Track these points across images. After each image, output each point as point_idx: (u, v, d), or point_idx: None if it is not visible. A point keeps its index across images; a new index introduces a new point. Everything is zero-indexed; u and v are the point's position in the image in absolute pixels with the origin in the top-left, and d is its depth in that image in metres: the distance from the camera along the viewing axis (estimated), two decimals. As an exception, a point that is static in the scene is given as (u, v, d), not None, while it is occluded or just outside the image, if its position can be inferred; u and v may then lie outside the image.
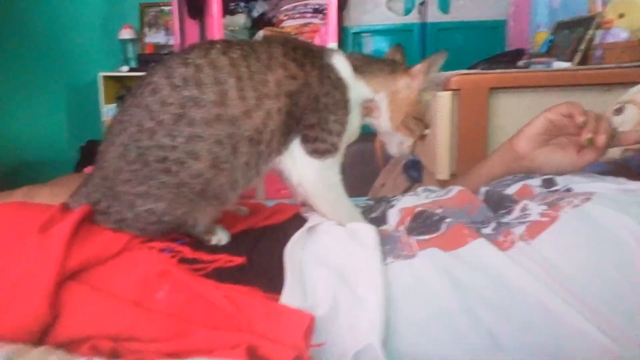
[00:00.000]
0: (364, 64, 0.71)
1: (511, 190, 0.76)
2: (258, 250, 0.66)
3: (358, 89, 0.69)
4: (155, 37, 3.64)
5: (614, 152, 1.05)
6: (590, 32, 1.61)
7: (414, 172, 2.45)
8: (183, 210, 0.63)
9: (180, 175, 0.61)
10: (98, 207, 0.64)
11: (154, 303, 0.56)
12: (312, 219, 0.68)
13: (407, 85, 0.71)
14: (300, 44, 0.68)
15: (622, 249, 0.53)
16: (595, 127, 0.73)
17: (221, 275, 0.60)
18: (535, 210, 0.60)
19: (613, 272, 0.52)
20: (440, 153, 1.57)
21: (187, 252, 0.62)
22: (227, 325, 0.54)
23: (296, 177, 0.67)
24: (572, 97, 1.51)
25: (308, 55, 0.66)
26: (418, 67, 0.71)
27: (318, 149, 0.65)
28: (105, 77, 3.35)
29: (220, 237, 0.68)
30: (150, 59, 3.55)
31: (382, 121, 0.72)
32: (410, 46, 2.90)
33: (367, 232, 0.63)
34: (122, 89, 3.76)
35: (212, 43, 0.64)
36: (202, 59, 0.62)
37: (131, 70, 3.65)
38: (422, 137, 1.85)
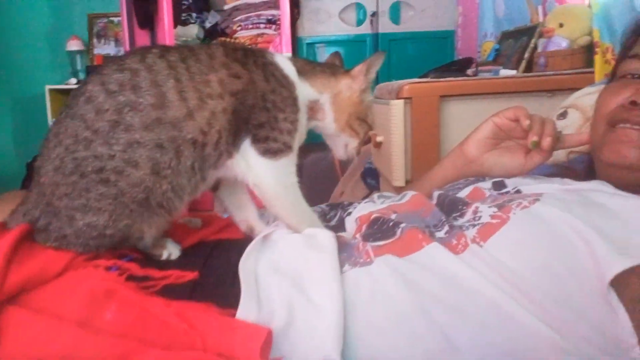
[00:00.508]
0: (306, 67, 0.72)
1: (463, 193, 0.77)
2: (211, 264, 0.64)
3: (304, 88, 0.70)
4: (104, 49, 3.54)
5: (560, 155, 1.09)
6: (534, 41, 1.68)
7: (372, 179, 2.48)
8: (126, 223, 0.60)
9: (119, 185, 0.58)
10: (37, 225, 0.60)
11: (102, 324, 0.53)
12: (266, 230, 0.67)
13: (348, 86, 0.72)
14: (240, 46, 0.70)
15: (568, 247, 0.54)
16: (540, 130, 0.75)
17: (173, 292, 0.57)
18: (486, 212, 0.61)
19: (561, 270, 0.53)
20: (395, 160, 1.59)
21: (136, 269, 0.59)
22: (180, 344, 0.52)
23: (252, 179, 0.66)
24: (518, 103, 1.55)
25: (249, 55, 0.66)
26: (358, 68, 0.72)
27: (270, 149, 0.64)
28: (53, 91, 3.23)
29: (171, 251, 0.66)
30: (100, 71, 3.46)
31: (327, 123, 0.73)
32: (364, 56, 2.93)
33: (324, 237, 0.62)
34: (70, 102, 3.64)
35: (149, 48, 0.63)
36: (139, 63, 0.60)
37: (80, 82, 3.54)
38: (377, 144, 1.86)
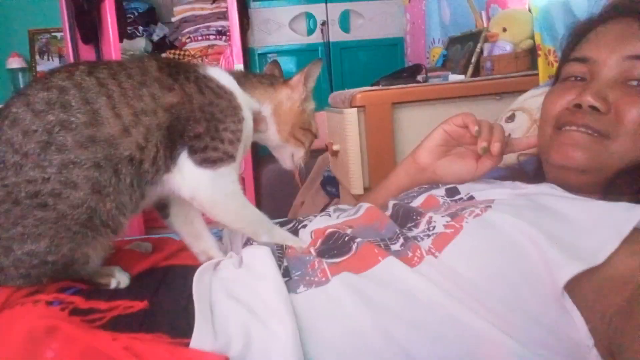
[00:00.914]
0: (244, 78, 0.71)
1: (418, 201, 0.77)
2: (162, 291, 0.61)
3: (245, 98, 0.68)
4: (48, 66, 3.39)
5: (511, 158, 1.12)
6: (479, 45, 1.72)
7: (332, 187, 2.48)
8: (69, 246, 0.57)
9: (59, 208, 0.55)
10: None
11: (44, 364, 0.50)
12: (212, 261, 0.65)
13: (288, 96, 0.71)
14: (172, 60, 0.67)
15: (521, 253, 0.55)
16: (489, 136, 0.76)
17: (121, 324, 0.54)
18: (440, 222, 0.61)
19: (514, 277, 0.54)
20: (353, 169, 1.59)
21: (80, 301, 0.55)
22: (130, 380, 0.49)
23: (188, 191, 0.63)
24: (468, 106, 1.60)
25: (181, 70, 0.64)
26: (296, 78, 0.72)
27: (209, 158, 0.62)
28: (-8, 111, 3.06)
29: (120, 279, 0.63)
30: (43, 89, 3.32)
31: (271, 134, 0.72)
32: (317, 65, 2.95)
33: (262, 263, 0.60)
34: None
35: (75, 65, 0.60)
36: (66, 80, 0.57)
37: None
38: (334, 153, 1.85)
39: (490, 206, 0.61)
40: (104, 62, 0.63)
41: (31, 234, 0.55)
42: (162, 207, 0.71)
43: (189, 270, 0.68)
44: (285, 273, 0.63)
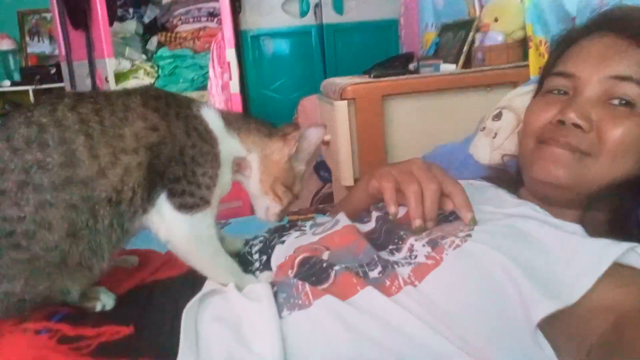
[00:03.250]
0: (240, 121, 0.69)
1: (402, 211, 0.78)
2: (148, 312, 0.63)
3: (230, 144, 0.67)
4: (38, 47, 3.36)
5: (495, 158, 1.13)
6: (471, 35, 1.71)
7: (325, 172, 2.49)
8: (46, 285, 0.58)
9: (32, 249, 0.55)
10: None
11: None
12: (207, 283, 0.66)
13: (279, 149, 0.69)
14: (163, 93, 0.65)
15: (498, 288, 0.56)
16: (416, 210, 0.67)
17: (108, 349, 0.56)
18: (421, 252, 0.62)
19: (490, 311, 0.55)
20: (343, 161, 1.60)
21: (67, 329, 0.57)
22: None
23: (164, 234, 0.63)
24: (458, 98, 1.60)
25: (172, 105, 0.63)
26: (293, 134, 0.69)
27: (186, 204, 0.62)
28: (-17, 95, 3.04)
29: (105, 302, 0.64)
30: (35, 72, 3.29)
31: (252, 182, 0.70)
32: (309, 48, 2.93)
33: (261, 287, 0.62)
34: (5, 106, 3.45)
35: (61, 97, 0.59)
36: (47, 117, 0.57)
37: (14, 84, 3.36)
38: (325, 142, 1.85)
39: (470, 235, 0.63)
40: (90, 94, 0.61)
41: (6, 274, 0.55)
42: None
43: (175, 283, 0.69)
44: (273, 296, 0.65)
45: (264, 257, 0.75)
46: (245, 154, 0.69)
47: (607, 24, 0.74)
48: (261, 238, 0.80)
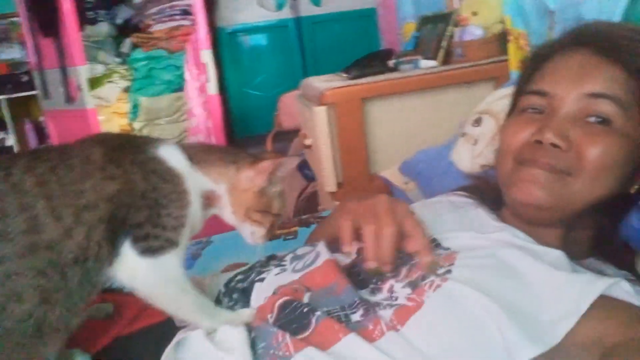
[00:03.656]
0: (202, 153, 0.67)
1: None
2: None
3: (196, 178, 0.64)
4: (8, 54, 3.26)
5: (475, 167, 1.11)
6: (450, 28, 1.68)
7: (309, 170, 2.46)
8: (21, 357, 0.56)
9: (4, 324, 0.53)
10: None
11: None
12: (181, 331, 0.64)
13: (249, 179, 0.66)
14: (122, 140, 0.63)
15: (478, 328, 0.55)
16: (370, 252, 0.63)
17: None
18: (401, 294, 0.61)
19: (473, 352, 0.54)
20: (325, 166, 1.58)
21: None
22: None
23: (127, 280, 0.60)
24: (439, 96, 1.58)
25: (127, 152, 0.61)
26: (265, 165, 0.66)
27: (150, 247, 0.59)
28: (-46, 107, 2.96)
29: None
30: (7, 81, 3.20)
31: (226, 213, 0.68)
32: (287, 42, 2.87)
33: (235, 338, 0.60)
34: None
35: (16, 158, 0.57)
36: (3, 183, 0.54)
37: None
38: (307, 147, 1.81)
39: (450, 270, 0.61)
40: (45, 150, 0.59)
41: None
42: None
43: (154, 334, 0.67)
44: (252, 344, 0.62)
45: (243, 295, 0.73)
46: (213, 186, 0.66)
47: (582, 40, 0.72)
48: (240, 277, 0.78)
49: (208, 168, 0.66)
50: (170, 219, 0.60)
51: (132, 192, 0.59)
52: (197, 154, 0.66)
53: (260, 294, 0.71)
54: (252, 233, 0.69)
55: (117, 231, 0.58)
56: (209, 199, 0.66)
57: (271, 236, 0.70)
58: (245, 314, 0.67)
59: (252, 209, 0.67)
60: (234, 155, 0.68)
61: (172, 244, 0.60)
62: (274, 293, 0.68)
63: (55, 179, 0.56)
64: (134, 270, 0.59)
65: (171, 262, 0.61)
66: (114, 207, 0.57)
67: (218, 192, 0.66)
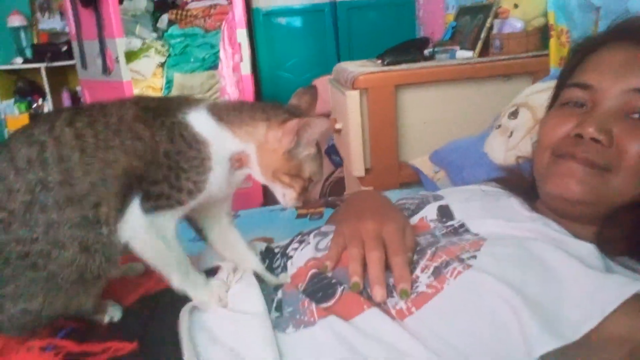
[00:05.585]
0: (232, 112, 0.65)
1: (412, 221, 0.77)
2: (153, 327, 0.63)
3: (224, 140, 0.64)
4: (49, 24, 3.34)
5: (510, 159, 1.10)
6: (489, 20, 1.65)
7: (337, 156, 2.47)
8: (62, 302, 0.58)
9: (49, 268, 0.56)
10: None
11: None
12: None
13: (276, 138, 0.64)
14: (154, 102, 0.63)
15: (496, 318, 0.55)
16: (353, 268, 0.63)
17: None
18: (423, 282, 0.61)
19: (490, 340, 0.54)
20: (354, 151, 1.58)
21: (72, 346, 0.57)
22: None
23: (126, 232, 0.59)
24: (474, 88, 1.56)
25: (159, 114, 0.62)
26: (292, 124, 0.63)
27: (157, 206, 0.60)
28: (-1, 71, 3.04)
29: (113, 314, 0.64)
30: (47, 50, 3.27)
31: (256, 173, 0.67)
32: (322, 26, 2.86)
33: (254, 299, 0.62)
34: (18, 82, 3.45)
35: (59, 112, 0.59)
36: (47, 134, 0.57)
37: (26, 61, 3.35)
38: (337, 131, 1.81)
39: (475, 256, 0.61)
40: (87, 107, 0.61)
41: (24, 293, 0.56)
42: (198, 230, 0.72)
43: (179, 301, 0.69)
44: (278, 307, 0.64)
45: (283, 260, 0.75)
46: (242, 146, 0.65)
47: (628, 34, 0.71)
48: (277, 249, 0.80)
49: (237, 127, 0.64)
50: (189, 182, 0.61)
51: (156, 152, 0.60)
52: (227, 114, 0.65)
53: (297, 261, 0.73)
54: (283, 195, 0.68)
55: (131, 187, 0.59)
56: (240, 160, 0.66)
57: (301, 202, 0.68)
58: (283, 276, 0.71)
59: (280, 171, 0.66)
60: (268, 112, 0.65)
61: (179, 204, 0.61)
62: (305, 265, 0.70)
63: (92, 133, 0.58)
64: (133, 223, 0.60)
65: (168, 221, 0.62)
66: (136, 166, 0.59)
67: (247, 151, 0.65)
